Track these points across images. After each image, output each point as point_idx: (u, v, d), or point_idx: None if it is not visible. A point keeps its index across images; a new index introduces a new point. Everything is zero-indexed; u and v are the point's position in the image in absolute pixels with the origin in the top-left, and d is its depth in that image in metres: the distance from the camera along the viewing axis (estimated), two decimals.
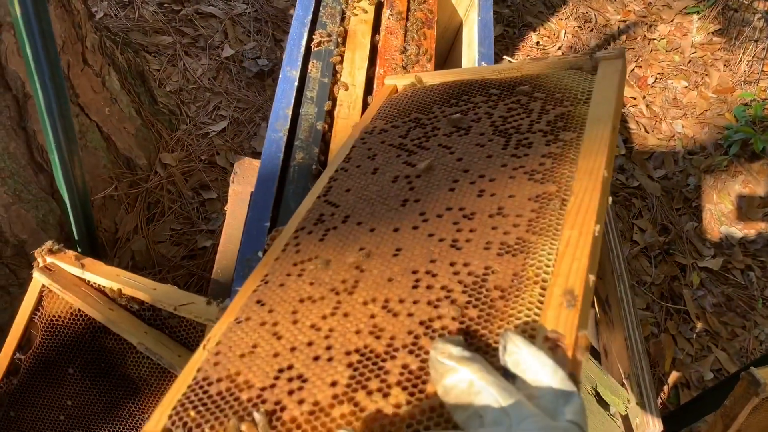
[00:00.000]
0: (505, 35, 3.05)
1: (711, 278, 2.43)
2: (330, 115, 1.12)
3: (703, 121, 2.91)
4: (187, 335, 1.27)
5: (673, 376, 2.19)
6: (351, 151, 0.92)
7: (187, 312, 1.25)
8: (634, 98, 2.95)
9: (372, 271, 0.72)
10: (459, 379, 0.53)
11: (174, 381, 0.68)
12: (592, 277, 0.62)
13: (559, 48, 3.06)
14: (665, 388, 2.16)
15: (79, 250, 1.45)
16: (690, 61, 3.15)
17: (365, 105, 1.15)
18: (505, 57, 2.94)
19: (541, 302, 0.60)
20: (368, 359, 0.62)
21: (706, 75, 3.10)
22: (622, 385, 1.44)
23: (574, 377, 0.54)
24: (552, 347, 0.56)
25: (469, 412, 0.52)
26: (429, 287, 0.67)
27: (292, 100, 1.09)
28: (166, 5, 2.61)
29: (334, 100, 1.14)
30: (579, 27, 3.18)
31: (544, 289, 0.62)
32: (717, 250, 2.51)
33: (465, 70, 0.99)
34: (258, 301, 0.74)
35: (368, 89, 1.18)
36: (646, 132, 2.85)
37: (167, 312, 1.26)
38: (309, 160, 1.05)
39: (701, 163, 2.75)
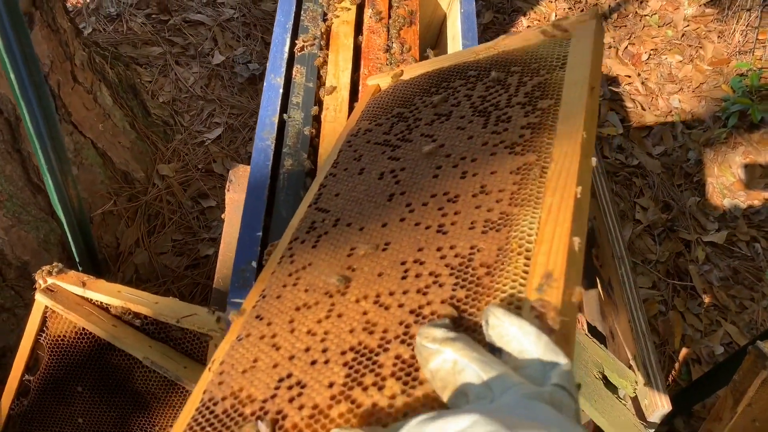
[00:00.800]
0: (495, 21, 3.03)
1: (716, 252, 2.42)
2: (317, 119, 1.12)
3: (699, 94, 2.89)
4: (191, 346, 1.28)
5: (684, 352, 2.18)
6: (338, 155, 0.92)
7: (190, 324, 1.26)
8: (629, 76, 2.93)
9: (363, 269, 0.72)
10: (443, 360, 0.53)
11: (181, 393, 0.69)
12: (577, 240, 0.61)
13: None
14: (676, 365, 2.16)
15: (80, 268, 1.46)
16: (683, 35, 3.13)
17: (351, 107, 1.15)
18: None
19: (526, 272, 0.60)
20: (363, 355, 0.62)
21: (701, 48, 3.07)
22: (629, 367, 1.44)
23: (565, 339, 0.53)
24: (538, 315, 0.55)
25: (455, 392, 0.51)
26: (418, 276, 0.67)
27: (278, 107, 1.09)
28: (153, 16, 2.61)
29: (320, 104, 1.14)
30: (569, 8, 3.16)
31: (528, 258, 0.61)
32: (721, 223, 2.50)
33: (443, 57, 0.99)
34: (257, 316, 0.75)
35: (354, 90, 1.18)
36: (643, 109, 2.84)
37: (170, 325, 1.27)
38: (298, 167, 1.05)
39: (700, 137, 2.74)
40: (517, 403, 0.46)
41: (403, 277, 0.68)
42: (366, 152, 0.90)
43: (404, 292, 0.66)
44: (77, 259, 1.42)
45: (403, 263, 0.69)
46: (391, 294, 0.67)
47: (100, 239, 1.88)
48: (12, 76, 1.02)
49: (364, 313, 0.66)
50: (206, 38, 2.61)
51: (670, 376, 2.14)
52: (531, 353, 0.51)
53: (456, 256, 0.66)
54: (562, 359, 0.50)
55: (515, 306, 0.58)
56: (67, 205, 1.27)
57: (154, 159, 2.12)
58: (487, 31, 2.99)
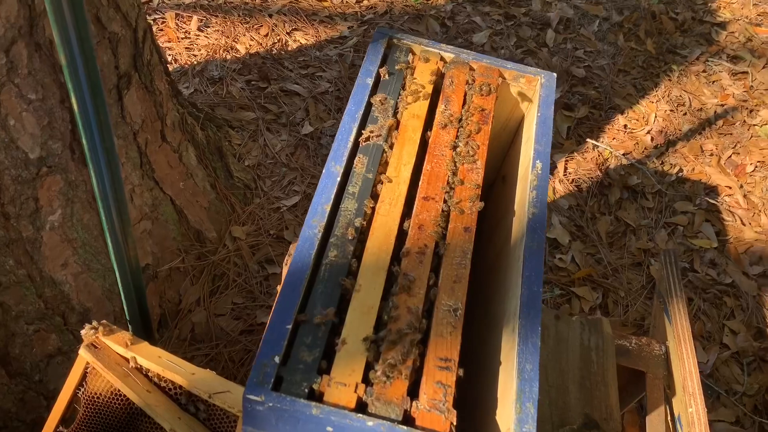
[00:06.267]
0: (591, 117, 2.96)
1: None
2: (371, 211, 1.09)
3: None
4: (219, 425, 1.25)
5: None
6: None
7: (221, 401, 1.24)
8: (730, 187, 2.76)
9: None
10: None
11: None
12: None
13: (648, 132, 2.93)
14: None
15: (130, 327, 1.48)
16: None
17: (409, 201, 1.12)
18: (588, 140, 2.85)
19: None
20: None
21: None
22: None
23: None
24: None
25: None
26: None
27: (332, 196, 1.07)
28: (253, 82, 2.73)
29: (376, 196, 1.12)
30: (671, 110, 3.05)
31: None
32: None
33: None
34: None
35: (413, 185, 1.15)
36: (743, 224, 2.65)
37: (203, 399, 1.25)
38: (342, 259, 1.02)
39: None
40: None
41: None
42: None
43: None
44: (128, 318, 1.44)
45: None
46: None
47: (163, 294, 1.92)
48: (85, 141, 1.06)
49: None
50: (299, 108, 2.69)
51: None
52: None
53: None
54: None
55: None
56: (124, 266, 1.30)
57: (230, 220, 2.17)
58: (580, 126, 2.92)
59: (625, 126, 2.96)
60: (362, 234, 1.07)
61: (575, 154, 2.80)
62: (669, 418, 1.53)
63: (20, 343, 1.63)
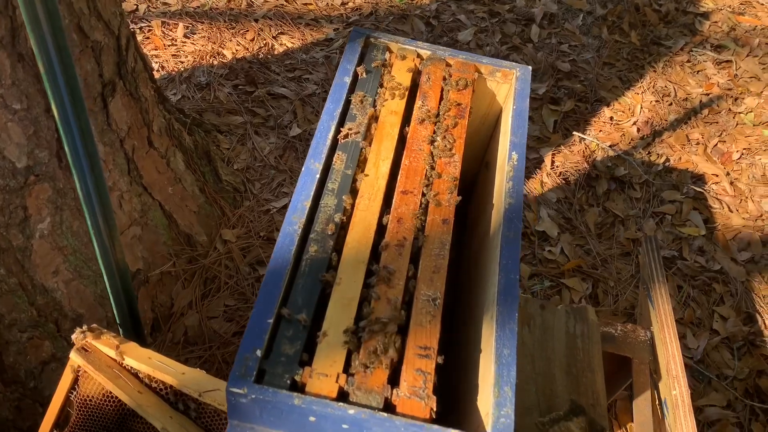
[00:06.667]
0: (577, 110, 2.99)
1: None
2: (350, 206, 1.11)
3: None
4: (210, 422, 1.27)
5: None
6: None
7: (211, 399, 1.26)
8: (716, 175, 2.78)
9: None
10: None
11: None
12: None
13: (634, 123, 2.96)
14: None
15: (121, 331, 1.49)
16: None
17: (388, 196, 1.14)
18: (575, 133, 2.87)
19: None
20: None
21: None
22: None
23: None
24: None
25: None
26: None
27: (312, 193, 1.09)
28: (240, 87, 2.75)
29: (355, 191, 1.14)
30: (657, 101, 3.08)
31: None
32: None
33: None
34: None
35: (392, 180, 1.17)
36: (730, 211, 2.68)
37: (193, 397, 1.26)
38: (322, 254, 1.04)
39: None
40: None
41: None
42: None
43: None
44: (118, 322, 1.46)
45: None
46: None
47: (155, 298, 1.94)
48: (67, 147, 1.08)
49: None
50: (287, 111, 2.71)
51: None
52: None
53: None
54: None
55: None
56: (112, 270, 1.31)
57: (220, 223, 2.19)
58: (567, 119, 2.95)
59: (612, 118, 2.99)
60: (342, 229, 1.09)
61: (562, 147, 2.82)
62: (657, 403, 1.55)
63: (14, 351, 1.65)
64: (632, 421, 1.89)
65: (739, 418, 2.10)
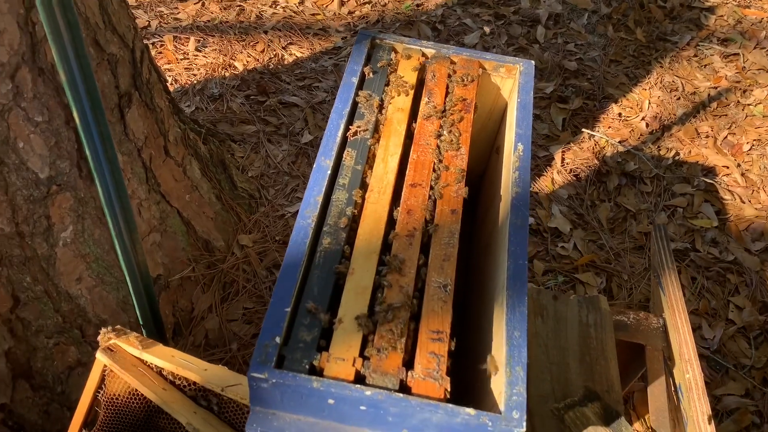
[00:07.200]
0: (585, 108, 3.01)
1: None
2: (361, 200, 1.15)
3: None
4: (233, 416, 1.31)
5: None
6: None
7: (233, 393, 1.29)
8: (727, 167, 2.79)
9: None
10: None
11: None
12: None
13: (643, 118, 2.98)
14: None
15: (144, 332, 1.54)
16: None
17: (397, 189, 1.18)
18: (584, 130, 2.90)
19: None
20: None
21: None
22: None
23: None
24: None
25: None
26: None
27: (323, 188, 1.13)
28: (252, 97, 2.81)
29: (365, 186, 1.17)
30: (664, 96, 3.09)
31: None
32: None
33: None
34: None
35: (400, 174, 1.20)
36: (742, 202, 2.68)
37: (216, 392, 1.30)
38: (336, 245, 1.08)
39: None
40: None
41: None
42: None
43: None
44: (141, 323, 1.50)
45: None
46: None
47: (175, 303, 1.99)
48: (88, 153, 1.13)
49: None
50: (298, 119, 2.76)
51: None
52: None
53: None
54: None
55: None
56: (134, 272, 1.36)
57: (236, 229, 2.24)
58: (575, 117, 2.97)
59: (620, 114, 3.01)
60: (354, 222, 1.13)
61: (572, 144, 2.85)
62: (673, 390, 1.57)
63: (42, 357, 1.70)
64: (649, 411, 1.90)
65: (757, 406, 2.11)
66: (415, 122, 1.29)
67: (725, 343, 2.26)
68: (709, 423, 1.30)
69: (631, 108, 3.04)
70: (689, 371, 1.38)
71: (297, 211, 2.37)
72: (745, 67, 3.27)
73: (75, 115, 1.07)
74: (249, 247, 2.21)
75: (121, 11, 1.75)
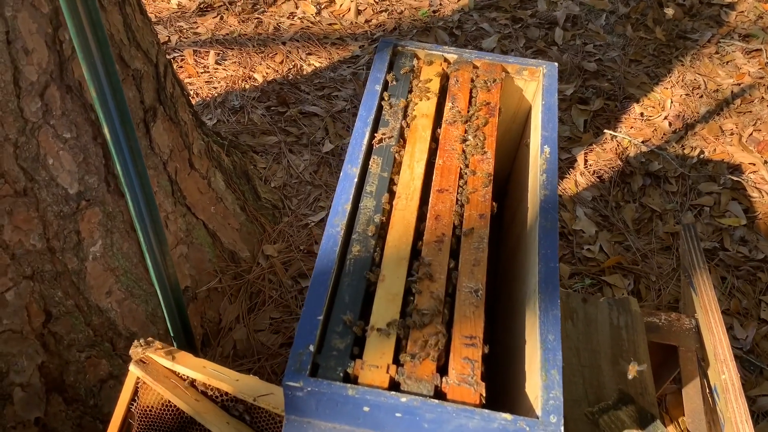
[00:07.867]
0: (606, 109, 2.99)
1: None
2: (388, 207, 1.15)
3: None
4: (265, 426, 1.31)
5: None
6: None
7: (265, 403, 1.30)
8: (753, 164, 2.75)
9: None
10: None
11: None
12: None
13: (665, 117, 2.95)
14: None
15: (175, 343, 1.55)
16: None
17: (423, 196, 1.18)
18: (606, 131, 2.87)
19: None
20: None
21: None
22: None
23: None
24: None
25: None
26: None
27: (351, 196, 1.13)
28: (272, 108, 2.83)
29: (392, 193, 1.18)
30: (687, 94, 3.06)
31: None
32: None
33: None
34: None
35: (427, 180, 1.20)
36: None
37: (248, 402, 1.31)
38: (365, 253, 1.08)
39: None
40: None
41: None
42: None
43: None
44: (172, 334, 1.51)
45: None
46: None
47: (203, 314, 2.00)
48: (118, 166, 1.14)
49: None
50: (318, 128, 2.77)
51: None
52: None
53: None
54: None
55: None
56: (164, 284, 1.37)
57: (261, 240, 2.25)
58: (597, 118, 2.95)
59: (642, 114, 2.98)
60: (382, 229, 1.13)
61: (594, 146, 2.83)
62: (708, 392, 1.54)
63: (74, 371, 1.72)
64: (684, 414, 1.87)
65: None
66: (440, 128, 1.29)
67: (758, 343, 2.22)
68: (747, 421, 1.28)
69: (653, 107, 3.01)
70: (725, 372, 1.36)
71: (321, 220, 2.39)
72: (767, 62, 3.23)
73: (105, 130, 1.09)
74: (274, 257, 2.22)
75: (145, 27, 1.77)
